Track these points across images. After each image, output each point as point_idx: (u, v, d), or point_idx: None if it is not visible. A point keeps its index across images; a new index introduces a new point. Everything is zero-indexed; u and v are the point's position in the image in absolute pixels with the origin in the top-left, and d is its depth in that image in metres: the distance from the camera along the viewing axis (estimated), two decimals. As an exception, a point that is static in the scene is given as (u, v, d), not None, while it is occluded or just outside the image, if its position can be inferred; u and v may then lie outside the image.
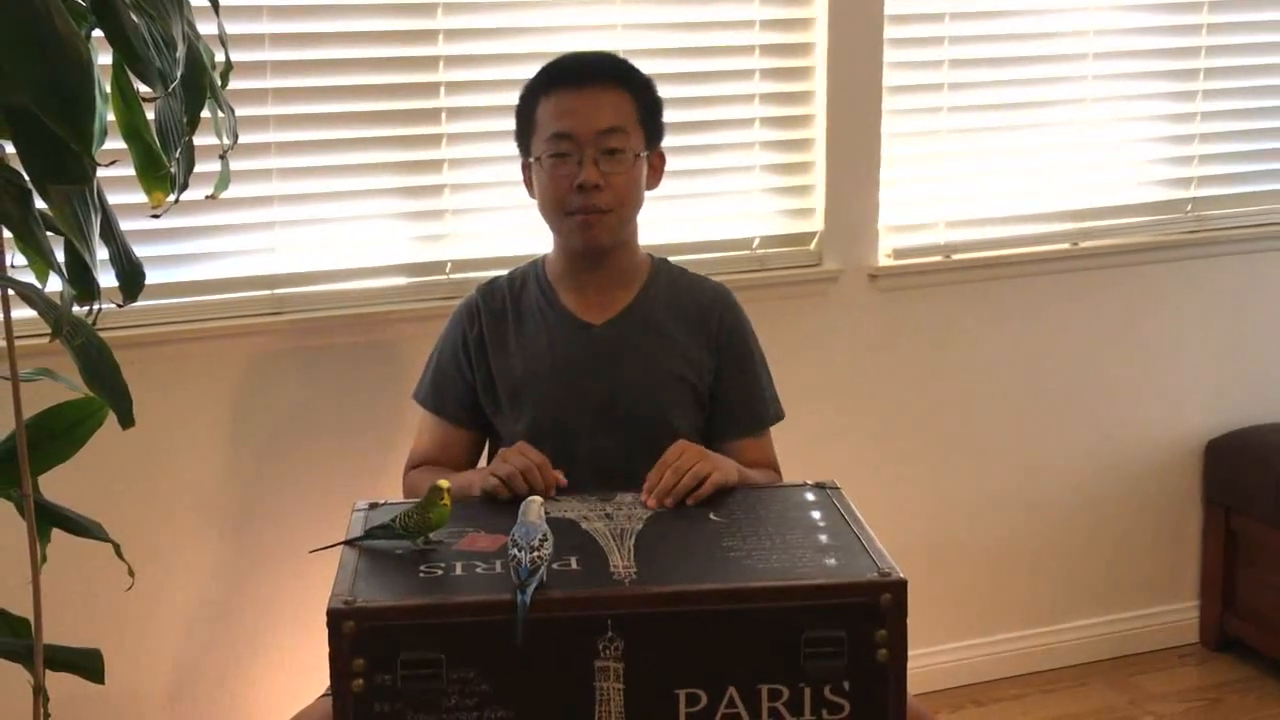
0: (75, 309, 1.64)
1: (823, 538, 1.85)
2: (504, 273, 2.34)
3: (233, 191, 2.17)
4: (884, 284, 3.11)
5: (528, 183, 2.25)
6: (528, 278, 2.30)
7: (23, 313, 1.78)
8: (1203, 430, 3.45)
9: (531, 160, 2.20)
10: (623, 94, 2.19)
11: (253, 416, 2.72)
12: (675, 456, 2.02)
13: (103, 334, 1.70)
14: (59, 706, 1.92)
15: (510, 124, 2.27)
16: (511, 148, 2.28)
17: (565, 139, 2.14)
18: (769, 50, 2.96)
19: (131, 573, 1.95)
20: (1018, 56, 3.16)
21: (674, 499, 1.97)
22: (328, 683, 1.67)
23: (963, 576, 3.29)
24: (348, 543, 1.86)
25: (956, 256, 3.16)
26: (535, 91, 2.20)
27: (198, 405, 2.68)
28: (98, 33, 1.59)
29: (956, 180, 3.17)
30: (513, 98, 2.26)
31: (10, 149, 1.56)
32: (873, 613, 1.68)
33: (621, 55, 2.32)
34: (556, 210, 2.18)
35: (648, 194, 2.25)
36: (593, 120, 2.14)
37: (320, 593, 1.69)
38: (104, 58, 1.75)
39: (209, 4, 1.92)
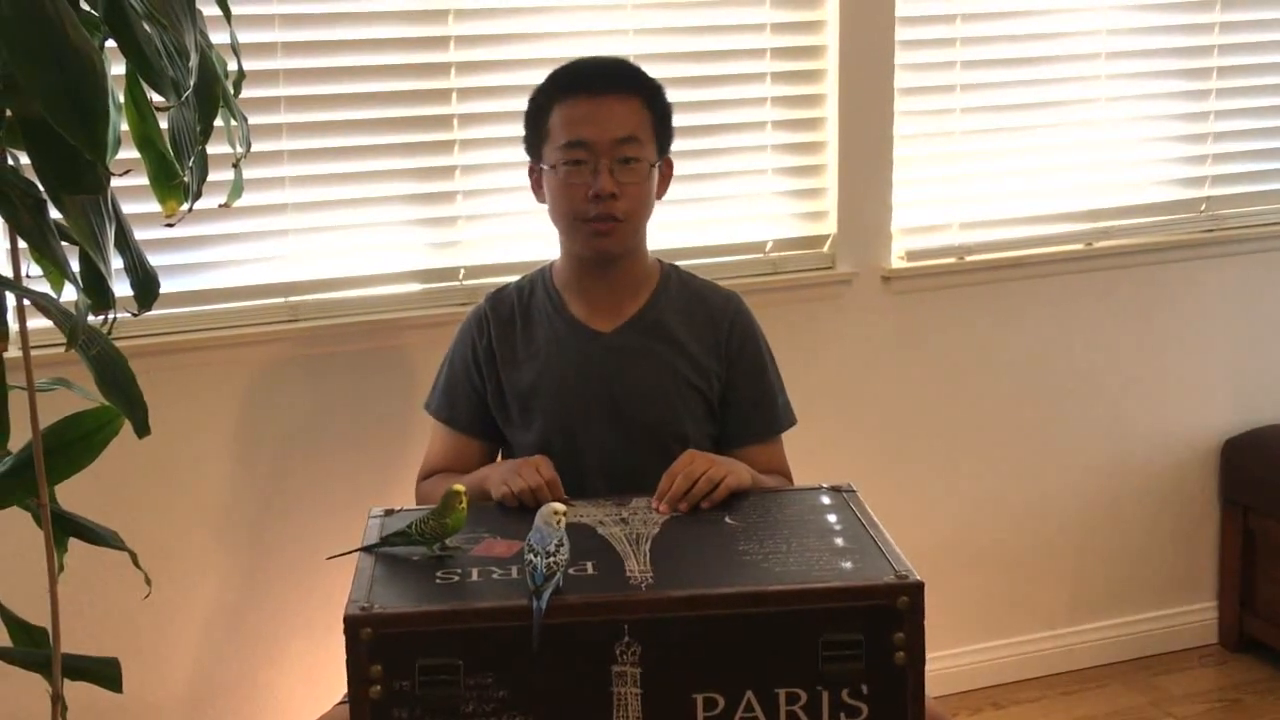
0: (90, 318, 1.65)
1: (839, 541, 1.85)
2: (513, 280, 2.34)
3: (246, 200, 2.18)
4: (898, 286, 3.10)
5: (535, 186, 2.24)
6: (536, 285, 2.29)
7: (38, 322, 1.79)
8: (1220, 430, 3.44)
9: (544, 167, 2.19)
10: (637, 102, 2.17)
11: (268, 424, 2.73)
12: (685, 464, 2.02)
13: (118, 343, 1.70)
14: (77, 715, 1.92)
15: (523, 130, 2.27)
16: (524, 153, 2.28)
17: (581, 147, 2.13)
18: (780, 53, 2.96)
19: (148, 581, 1.95)
20: (1030, 57, 3.16)
21: (688, 504, 1.97)
22: (345, 689, 1.67)
23: (980, 578, 3.28)
24: (364, 549, 1.86)
25: (970, 258, 3.15)
26: (548, 97, 2.19)
27: (213, 413, 2.69)
28: (111, 43, 1.59)
29: (969, 181, 3.16)
30: (525, 104, 2.26)
31: (25, 160, 1.56)
32: (890, 615, 1.67)
33: (632, 61, 2.31)
34: (570, 218, 2.17)
35: (664, 197, 2.25)
36: (609, 129, 2.13)
37: (337, 599, 1.70)
38: (117, 68, 1.75)
39: (221, 14, 1.93)
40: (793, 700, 1.67)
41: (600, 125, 2.12)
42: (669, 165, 2.26)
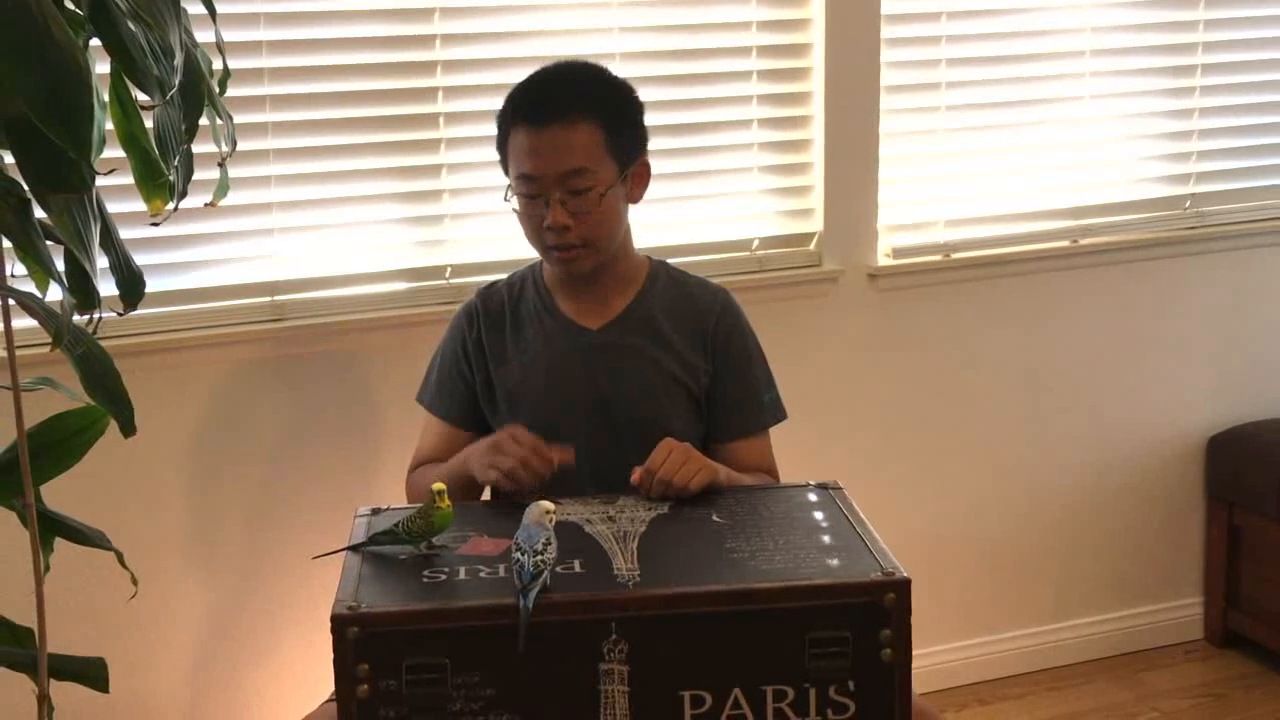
0: (76, 318, 1.64)
1: (826, 538, 1.85)
2: (504, 276, 2.34)
3: (232, 199, 2.18)
4: (884, 284, 3.11)
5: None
6: (525, 282, 2.29)
7: (23, 322, 1.79)
8: (1204, 426, 3.45)
9: (509, 190, 2.18)
10: (588, 127, 2.10)
11: (254, 423, 2.72)
12: (662, 459, 2.02)
13: (103, 342, 1.70)
14: (63, 716, 1.92)
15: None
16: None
17: (530, 181, 2.10)
18: (766, 51, 2.96)
19: (135, 581, 1.95)
20: (1015, 55, 3.16)
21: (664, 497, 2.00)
22: (332, 688, 1.67)
23: (966, 575, 3.29)
24: (351, 548, 1.86)
25: (956, 255, 3.16)
26: (505, 121, 2.16)
27: (199, 412, 2.68)
28: (96, 41, 1.59)
29: (955, 179, 3.17)
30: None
31: (9, 159, 1.56)
32: (877, 612, 1.67)
33: (595, 65, 2.22)
34: (534, 244, 2.18)
35: (642, 198, 2.24)
36: (555, 162, 2.08)
37: (324, 598, 1.70)
38: (102, 66, 1.75)
39: (206, 12, 1.93)
40: (780, 697, 1.67)
41: (546, 159, 2.08)
42: (644, 167, 2.22)
